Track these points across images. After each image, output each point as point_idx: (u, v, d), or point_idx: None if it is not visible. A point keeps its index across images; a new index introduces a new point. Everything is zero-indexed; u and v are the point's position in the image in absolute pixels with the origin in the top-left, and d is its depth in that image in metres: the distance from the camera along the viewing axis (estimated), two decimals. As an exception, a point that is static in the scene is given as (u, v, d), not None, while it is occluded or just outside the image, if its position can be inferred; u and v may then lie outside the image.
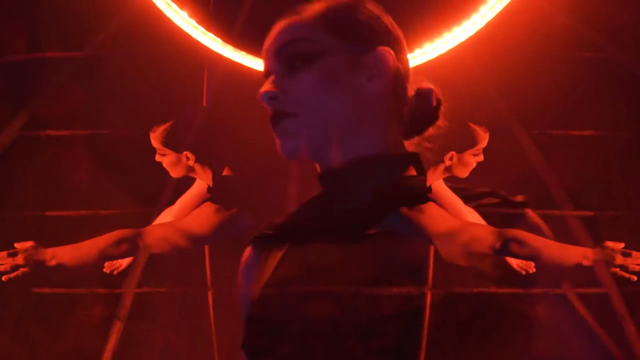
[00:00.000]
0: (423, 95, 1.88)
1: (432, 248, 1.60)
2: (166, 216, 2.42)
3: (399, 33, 1.87)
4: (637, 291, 3.00)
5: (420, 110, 1.85)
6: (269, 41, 1.76)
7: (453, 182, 1.82)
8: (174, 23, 3.20)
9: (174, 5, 3.21)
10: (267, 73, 1.73)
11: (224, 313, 3.23)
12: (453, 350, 1.52)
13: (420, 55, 3.14)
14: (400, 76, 1.78)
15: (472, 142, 2.34)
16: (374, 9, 1.85)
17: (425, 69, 3.11)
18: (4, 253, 2.02)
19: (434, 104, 1.89)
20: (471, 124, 1.93)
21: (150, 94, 3.24)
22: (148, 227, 2.30)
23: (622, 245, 2.00)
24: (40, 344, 3.49)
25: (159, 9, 3.20)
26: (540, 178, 3.36)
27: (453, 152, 1.91)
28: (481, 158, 2.24)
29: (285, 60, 1.70)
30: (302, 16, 1.78)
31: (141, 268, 3.66)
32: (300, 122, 1.67)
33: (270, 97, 1.67)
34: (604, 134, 2.97)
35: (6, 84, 3.38)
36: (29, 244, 2.27)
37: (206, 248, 2.28)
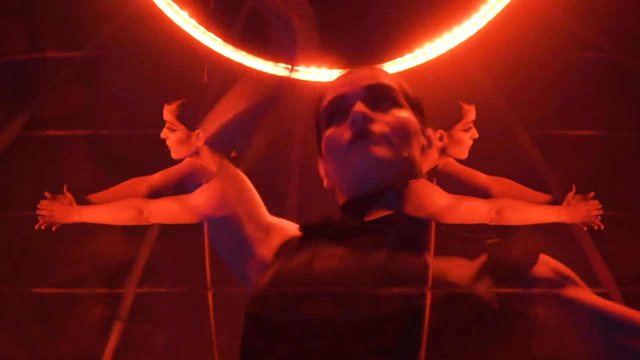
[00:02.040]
0: None
1: (431, 250, 1.60)
2: (139, 183, 2.44)
3: None
4: (637, 291, 3.00)
5: None
6: (360, 74, 1.92)
7: None
8: (174, 23, 3.20)
9: (174, 5, 3.21)
10: (349, 98, 1.86)
11: (224, 313, 3.23)
12: (453, 350, 1.52)
13: (421, 55, 3.14)
14: None
15: (459, 117, 2.35)
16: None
17: (426, 68, 3.11)
18: (46, 201, 2.28)
19: None
20: (458, 101, 2.03)
21: (150, 94, 3.24)
22: (156, 199, 2.35)
23: (573, 191, 2.14)
24: (40, 344, 3.49)
25: (159, 8, 3.19)
26: (540, 178, 3.36)
27: (440, 131, 1.97)
28: (475, 134, 2.27)
29: (375, 97, 1.85)
30: (387, 74, 2.00)
31: (141, 268, 3.67)
32: (392, 140, 1.80)
33: (366, 118, 1.79)
34: (604, 134, 2.97)
35: (6, 84, 3.38)
36: (69, 196, 2.46)
37: (206, 248, 2.28)
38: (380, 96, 1.84)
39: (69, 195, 2.45)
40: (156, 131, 2.32)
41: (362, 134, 1.78)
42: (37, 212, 2.38)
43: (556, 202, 2.28)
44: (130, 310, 3.58)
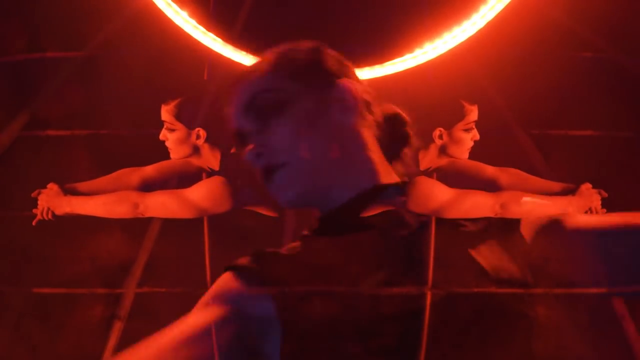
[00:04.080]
0: (392, 118, 1.91)
1: (431, 250, 1.60)
2: (131, 174, 2.43)
3: (349, 63, 1.90)
4: (637, 291, 2.99)
5: (394, 134, 1.88)
6: (233, 102, 1.78)
7: None
8: (173, 23, 3.20)
9: (174, 5, 3.21)
10: (239, 134, 1.76)
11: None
12: (453, 350, 1.52)
13: (421, 55, 3.14)
14: (367, 103, 1.81)
15: (461, 116, 2.33)
16: (322, 47, 1.88)
17: (426, 69, 3.11)
18: (37, 191, 2.31)
19: (405, 125, 1.92)
20: (460, 100, 1.98)
21: (150, 94, 3.23)
22: (153, 192, 2.33)
23: (590, 185, 2.12)
24: (40, 344, 3.49)
25: (159, 8, 3.19)
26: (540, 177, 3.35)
27: (440, 129, 1.95)
28: (476, 136, 2.24)
29: (255, 116, 1.72)
30: (260, 71, 1.79)
31: (141, 268, 3.67)
32: (292, 170, 1.67)
33: (257, 154, 1.69)
34: (604, 134, 2.97)
35: (6, 84, 3.38)
36: (54, 186, 2.46)
37: (206, 249, 2.28)
38: (260, 109, 1.70)
39: (54, 186, 2.45)
40: (156, 131, 2.31)
41: (266, 177, 1.69)
42: (34, 210, 2.39)
43: (569, 189, 2.27)
44: (130, 310, 3.58)
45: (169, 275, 3.59)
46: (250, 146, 1.71)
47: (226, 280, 1.68)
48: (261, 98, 1.72)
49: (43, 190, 2.36)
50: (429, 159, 1.97)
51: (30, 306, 3.44)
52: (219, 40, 3.22)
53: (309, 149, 1.69)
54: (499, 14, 3.16)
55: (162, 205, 2.33)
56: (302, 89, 1.73)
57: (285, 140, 1.69)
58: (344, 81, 1.77)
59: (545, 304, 1.60)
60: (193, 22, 3.20)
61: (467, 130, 2.28)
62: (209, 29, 3.22)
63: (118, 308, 3.56)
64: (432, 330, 1.47)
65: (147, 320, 3.63)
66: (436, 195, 1.73)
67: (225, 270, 1.71)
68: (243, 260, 1.71)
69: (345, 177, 1.70)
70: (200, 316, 1.63)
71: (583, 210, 2.10)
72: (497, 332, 1.53)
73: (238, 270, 1.67)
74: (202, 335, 1.58)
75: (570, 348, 1.58)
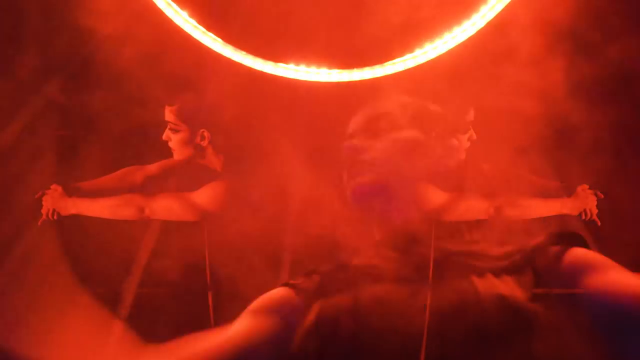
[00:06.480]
0: None
1: (431, 250, 1.61)
2: (135, 172, 2.42)
3: None
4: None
5: None
6: None
7: None
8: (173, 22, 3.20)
9: (174, 5, 3.20)
10: None
11: (224, 313, 3.23)
12: (453, 350, 1.52)
13: (421, 55, 3.14)
14: None
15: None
16: None
17: (426, 68, 3.11)
18: (40, 192, 2.34)
19: None
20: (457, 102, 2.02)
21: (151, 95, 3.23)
22: (157, 195, 2.33)
23: (587, 186, 2.12)
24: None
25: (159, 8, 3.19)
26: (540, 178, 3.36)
27: (435, 130, 1.95)
28: (473, 136, 2.24)
29: None
30: None
31: (141, 268, 3.67)
32: None
33: None
34: (603, 134, 2.97)
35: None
36: (58, 188, 2.44)
37: (206, 249, 2.28)
38: None
39: (58, 188, 2.44)
40: (158, 131, 2.30)
41: None
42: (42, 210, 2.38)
43: (566, 190, 2.27)
44: (130, 310, 3.58)
45: (169, 275, 3.59)
46: None
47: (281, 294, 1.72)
48: None
49: (47, 191, 2.34)
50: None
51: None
52: (219, 40, 3.22)
53: None
54: (499, 14, 3.17)
55: (167, 208, 2.33)
56: None
57: None
58: None
59: (545, 304, 1.60)
60: (193, 22, 3.20)
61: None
62: (209, 29, 3.22)
63: (118, 308, 3.57)
64: (432, 330, 1.48)
65: (147, 320, 3.64)
66: (431, 198, 1.74)
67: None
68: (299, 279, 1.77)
69: None
70: (250, 324, 1.65)
71: (578, 211, 2.10)
72: (497, 332, 1.53)
73: (292, 287, 1.71)
74: (249, 343, 1.60)
75: (570, 348, 1.58)
